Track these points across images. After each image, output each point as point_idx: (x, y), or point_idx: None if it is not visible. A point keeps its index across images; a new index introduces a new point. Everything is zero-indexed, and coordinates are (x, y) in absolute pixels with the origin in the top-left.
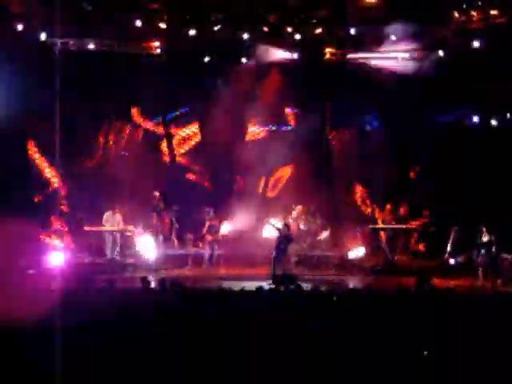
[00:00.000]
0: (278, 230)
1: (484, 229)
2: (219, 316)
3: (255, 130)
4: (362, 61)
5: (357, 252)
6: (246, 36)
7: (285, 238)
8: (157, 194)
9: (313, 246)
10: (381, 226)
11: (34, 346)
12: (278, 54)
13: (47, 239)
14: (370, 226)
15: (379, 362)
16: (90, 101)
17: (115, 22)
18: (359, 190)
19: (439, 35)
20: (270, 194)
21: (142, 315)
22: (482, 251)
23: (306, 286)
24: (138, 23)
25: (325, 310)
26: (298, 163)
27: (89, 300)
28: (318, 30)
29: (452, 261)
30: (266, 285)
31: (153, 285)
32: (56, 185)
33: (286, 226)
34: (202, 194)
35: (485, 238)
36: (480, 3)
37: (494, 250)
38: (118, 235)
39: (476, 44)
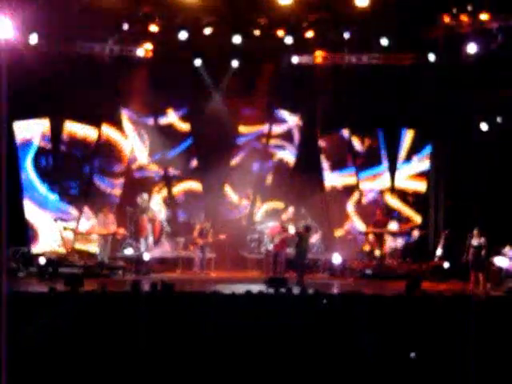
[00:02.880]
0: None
1: (476, 231)
2: (210, 319)
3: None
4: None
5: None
6: (237, 39)
7: (303, 240)
8: (146, 196)
9: None
10: (370, 229)
11: None
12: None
13: None
14: (360, 230)
15: (367, 364)
16: (80, 103)
17: (107, 24)
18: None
19: (430, 39)
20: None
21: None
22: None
23: (297, 289)
24: (130, 26)
25: (314, 313)
26: (289, 165)
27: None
28: (310, 34)
29: (446, 264)
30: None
31: (144, 288)
32: None
33: (307, 228)
34: (193, 198)
35: (475, 242)
36: (470, 8)
37: (483, 253)
38: (110, 238)
39: (467, 48)
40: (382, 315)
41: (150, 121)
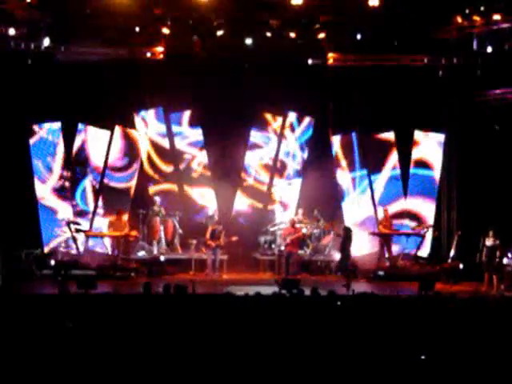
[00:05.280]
0: (340, 234)
1: (491, 232)
2: (223, 321)
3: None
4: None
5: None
6: (248, 41)
7: (348, 241)
8: (158, 199)
9: (316, 250)
10: (383, 230)
11: None
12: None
13: None
14: (371, 231)
15: (379, 366)
16: (92, 107)
17: (118, 27)
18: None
19: (443, 40)
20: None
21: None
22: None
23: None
24: (142, 29)
25: (328, 314)
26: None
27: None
28: (321, 35)
29: (461, 265)
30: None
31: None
32: None
33: (347, 229)
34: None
35: (489, 242)
36: (483, 8)
37: (498, 254)
38: (122, 240)
39: (479, 49)
40: (395, 317)
41: (162, 127)
